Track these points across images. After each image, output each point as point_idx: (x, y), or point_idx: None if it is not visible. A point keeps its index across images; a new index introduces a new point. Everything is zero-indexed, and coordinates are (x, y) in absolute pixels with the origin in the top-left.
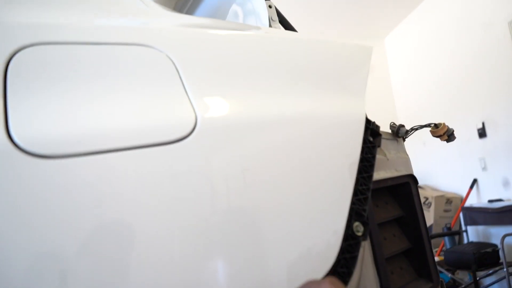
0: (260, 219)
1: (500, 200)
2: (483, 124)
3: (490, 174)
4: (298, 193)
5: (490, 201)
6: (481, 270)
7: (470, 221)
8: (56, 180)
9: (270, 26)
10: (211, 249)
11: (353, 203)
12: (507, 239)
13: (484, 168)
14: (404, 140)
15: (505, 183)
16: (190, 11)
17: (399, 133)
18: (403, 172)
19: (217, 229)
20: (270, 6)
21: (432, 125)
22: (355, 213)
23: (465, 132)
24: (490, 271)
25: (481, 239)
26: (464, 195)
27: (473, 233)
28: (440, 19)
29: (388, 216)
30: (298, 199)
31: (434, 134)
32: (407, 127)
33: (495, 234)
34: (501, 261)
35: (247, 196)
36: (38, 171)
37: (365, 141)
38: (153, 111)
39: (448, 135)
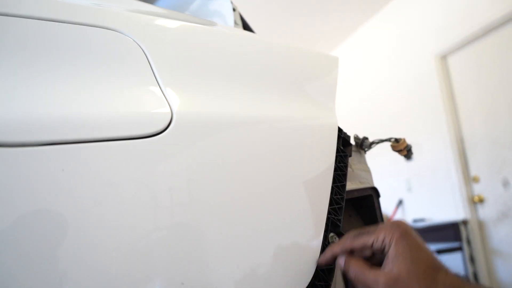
0: (242, 229)
1: (423, 219)
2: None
3: (414, 195)
4: (279, 200)
5: (415, 220)
6: None
7: None
8: (6, 170)
9: None
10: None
11: (329, 212)
12: None
13: (409, 189)
14: (365, 153)
15: (427, 203)
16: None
17: (363, 145)
18: (367, 184)
19: (182, 242)
20: (234, 9)
21: (393, 139)
22: (331, 223)
23: (394, 154)
24: None
25: None
26: (390, 214)
27: None
28: (376, 46)
29: (351, 229)
30: (279, 207)
31: (395, 148)
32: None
33: None
34: None
35: (220, 202)
36: None
37: (337, 149)
38: (125, 100)
39: (407, 150)
